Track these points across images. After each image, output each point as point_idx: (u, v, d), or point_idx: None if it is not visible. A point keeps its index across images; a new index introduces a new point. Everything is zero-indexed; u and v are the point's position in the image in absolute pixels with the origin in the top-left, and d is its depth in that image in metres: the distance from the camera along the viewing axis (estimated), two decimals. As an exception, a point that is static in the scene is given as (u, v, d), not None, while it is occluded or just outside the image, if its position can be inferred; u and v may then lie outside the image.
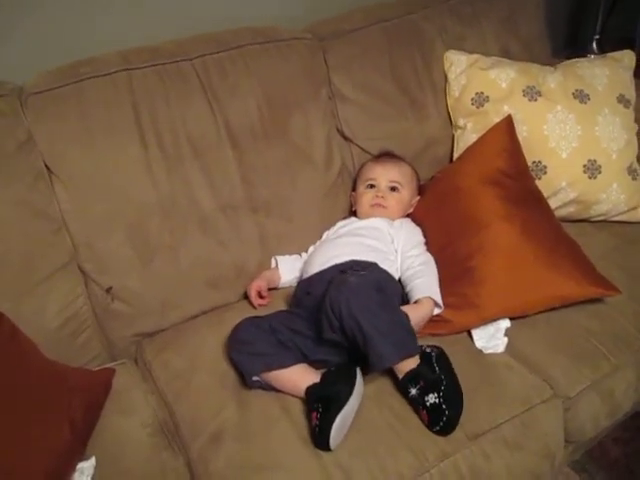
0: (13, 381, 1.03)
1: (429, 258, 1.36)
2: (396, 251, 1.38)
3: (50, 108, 1.23)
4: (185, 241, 1.34)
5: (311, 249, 1.47)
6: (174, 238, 1.33)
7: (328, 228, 1.51)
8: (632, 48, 1.69)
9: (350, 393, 1.06)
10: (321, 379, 1.12)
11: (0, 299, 1.16)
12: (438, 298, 1.26)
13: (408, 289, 1.30)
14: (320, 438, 1.04)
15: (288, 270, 1.45)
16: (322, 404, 1.05)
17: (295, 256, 1.48)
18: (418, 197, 1.53)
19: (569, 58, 1.74)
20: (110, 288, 1.30)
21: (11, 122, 1.20)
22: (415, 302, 1.26)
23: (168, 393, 1.23)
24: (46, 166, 1.24)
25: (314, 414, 1.06)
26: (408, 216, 1.51)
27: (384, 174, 1.49)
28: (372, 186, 1.49)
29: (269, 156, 1.42)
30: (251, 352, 1.17)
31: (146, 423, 1.17)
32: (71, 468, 1.03)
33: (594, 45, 2.18)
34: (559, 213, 1.52)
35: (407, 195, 1.50)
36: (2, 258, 1.19)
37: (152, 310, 1.34)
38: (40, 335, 1.18)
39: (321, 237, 1.49)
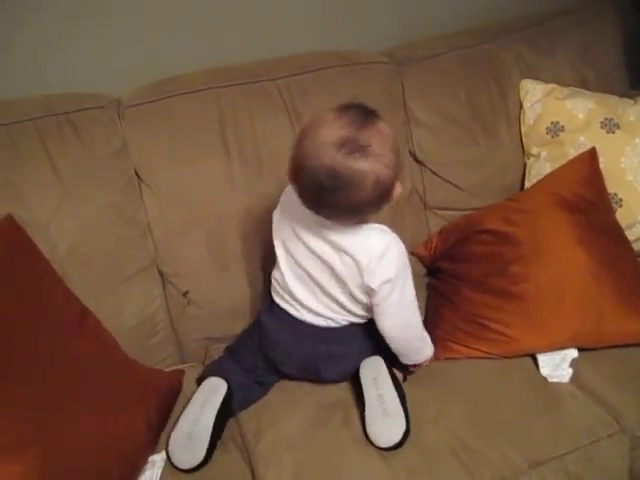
0: (97, 372, 1.10)
1: None
2: None
3: (144, 120, 1.32)
4: (258, 253, 1.39)
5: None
6: (248, 249, 1.38)
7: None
8: None
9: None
10: None
11: (86, 295, 1.23)
12: None
13: None
14: None
15: None
16: None
17: None
18: None
19: (648, 90, 1.72)
20: (187, 292, 1.36)
21: (108, 131, 1.30)
22: None
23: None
24: (137, 174, 1.33)
25: None
26: None
27: None
28: None
29: (343, 175, 1.46)
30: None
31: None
32: (144, 459, 1.09)
33: (675, 78, 2.13)
34: (634, 247, 1.49)
35: None
36: (90, 256, 1.28)
37: (223, 316, 1.40)
38: (118, 332, 1.26)
39: None
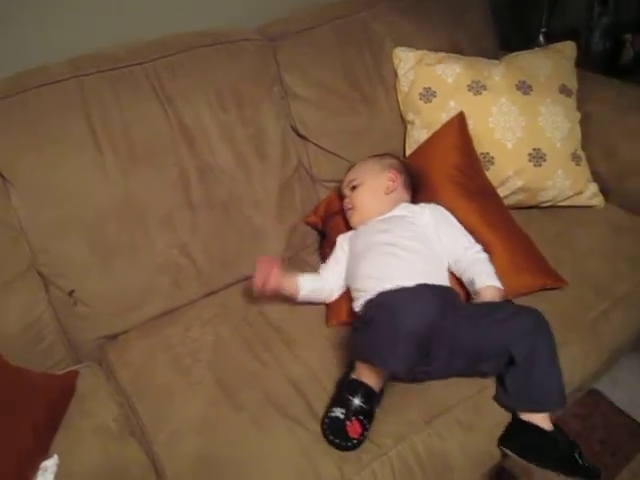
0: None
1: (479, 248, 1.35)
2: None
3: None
4: (144, 242, 1.36)
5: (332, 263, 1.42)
6: (133, 239, 1.34)
7: (285, 222, 1.54)
8: (579, 39, 1.74)
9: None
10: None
11: (-41, 307, 1.17)
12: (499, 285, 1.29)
13: (465, 278, 1.32)
14: (354, 445, 1.09)
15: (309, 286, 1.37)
16: (368, 421, 1.10)
17: (315, 275, 1.41)
18: (391, 174, 1.44)
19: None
20: (72, 291, 1.31)
21: (-41, 134, 1.21)
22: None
23: (131, 393, 1.24)
24: (0, 175, 1.25)
25: (357, 423, 1.09)
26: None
27: (345, 180, 1.51)
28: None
29: (224, 154, 1.44)
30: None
31: (110, 422, 1.20)
32: (34, 468, 1.05)
33: (541, 38, 2.23)
34: (508, 201, 1.57)
35: (371, 184, 1.45)
36: (-42, 267, 1.20)
37: (114, 312, 1.36)
38: (1, 341, 1.20)
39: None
